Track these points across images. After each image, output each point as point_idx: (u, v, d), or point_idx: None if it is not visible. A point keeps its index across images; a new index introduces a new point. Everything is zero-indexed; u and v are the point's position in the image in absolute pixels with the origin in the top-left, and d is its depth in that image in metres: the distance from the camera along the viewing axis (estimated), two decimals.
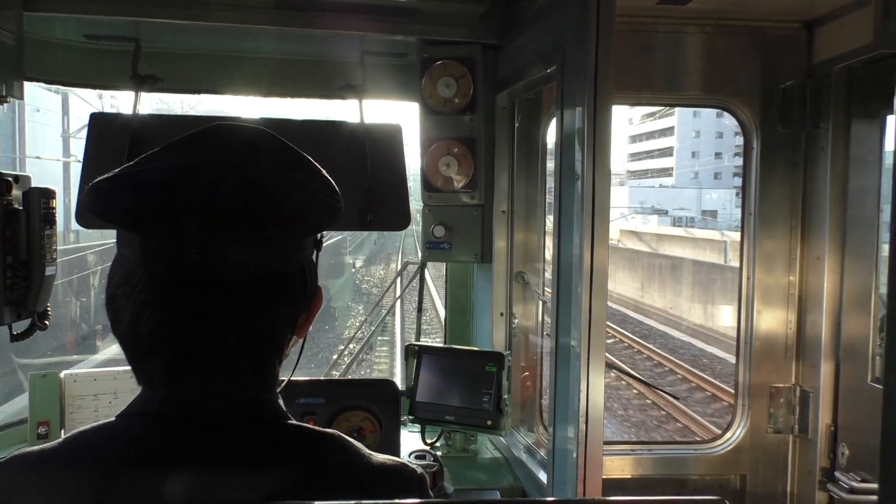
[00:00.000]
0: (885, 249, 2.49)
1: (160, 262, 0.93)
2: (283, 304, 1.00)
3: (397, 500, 1.03)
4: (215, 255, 0.92)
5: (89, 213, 0.97)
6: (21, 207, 2.17)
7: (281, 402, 1.04)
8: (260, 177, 0.97)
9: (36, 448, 0.99)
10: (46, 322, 2.35)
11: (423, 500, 1.09)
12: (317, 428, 1.04)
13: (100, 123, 2.74)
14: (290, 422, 1.02)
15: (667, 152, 71.31)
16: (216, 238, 0.92)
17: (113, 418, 0.99)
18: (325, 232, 1.10)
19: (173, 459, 0.93)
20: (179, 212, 0.91)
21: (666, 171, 71.83)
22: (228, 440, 0.96)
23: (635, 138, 75.09)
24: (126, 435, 0.97)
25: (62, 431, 2.57)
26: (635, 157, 77.07)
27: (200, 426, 0.96)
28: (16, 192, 2.17)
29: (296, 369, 1.27)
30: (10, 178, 2.15)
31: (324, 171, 1.04)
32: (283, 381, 1.10)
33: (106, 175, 0.96)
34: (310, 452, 0.99)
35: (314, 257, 1.07)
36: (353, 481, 0.99)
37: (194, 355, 0.95)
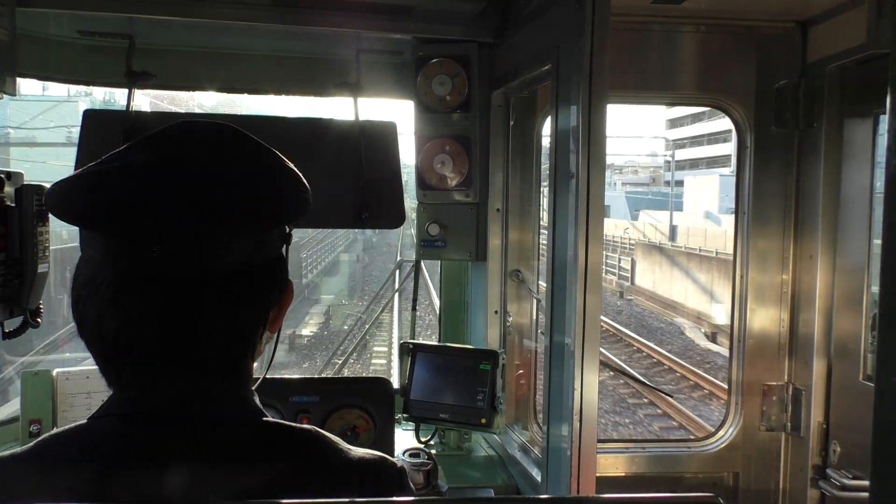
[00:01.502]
0: (878, 248, 2.50)
1: (123, 262, 0.92)
2: (252, 300, 0.99)
3: (393, 499, 1.02)
4: (179, 252, 0.91)
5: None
6: (13, 204, 2.16)
7: (256, 399, 1.03)
8: (224, 171, 0.96)
9: (6, 452, 0.98)
10: (39, 320, 2.34)
11: (417, 499, 1.09)
12: (293, 424, 1.03)
13: (93, 120, 2.73)
14: (265, 419, 1.01)
15: (719, 137, 55.50)
16: (180, 235, 0.91)
17: (84, 420, 0.98)
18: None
19: (146, 460, 0.92)
20: (141, 210, 0.90)
21: (719, 161, 56.14)
22: (202, 439, 0.95)
23: (676, 122, 60.18)
24: (97, 436, 0.96)
25: (55, 429, 2.55)
26: (678, 144, 60.10)
27: (173, 426, 0.95)
28: (8, 189, 2.16)
29: (270, 367, 1.25)
30: (2, 175, 2.14)
31: (291, 164, 1.03)
32: (259, 378, 1.09)
33: (67, 175, 0.96)
34: (287, 449, 0.98)
35: (283, 251, 1.06)
36: (332, 476, 0.98)
37: (162, 354, 0.94)
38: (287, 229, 1.05)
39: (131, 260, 0.91)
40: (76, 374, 2.61)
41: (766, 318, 2.76)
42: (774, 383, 2.75)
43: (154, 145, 0.98)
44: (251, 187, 0.97)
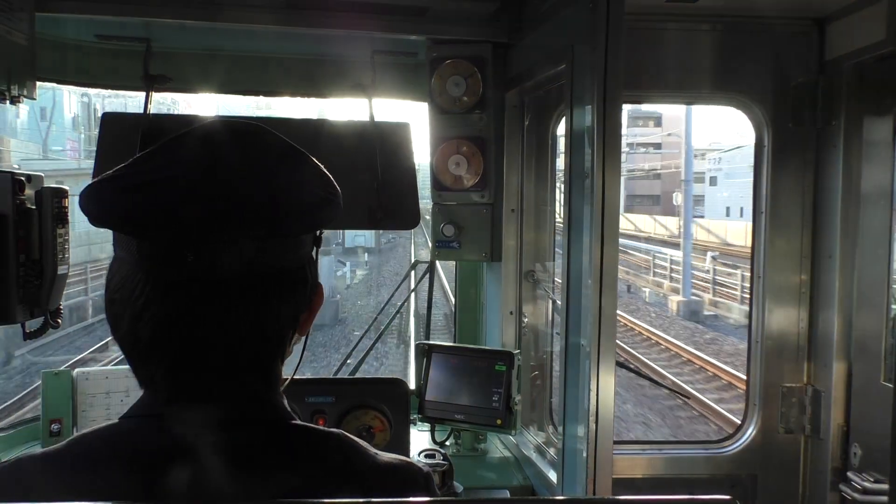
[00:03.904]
0: None
1: (157, 264, 0.92)
2: (283, 303, 0.99)
3: (408, 499, 1.03)
4: (213, 255, 0.91)
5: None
6: (33, 206, 2.19)
7: (285, 401, 1.04)
8: (257, 174, 0.96)
9: (39, 451, 0.99)
10: (59, 320, 2.37)
11: (432, 499, 1.09)
12: (321, 427, 1.03)
13: (111, 123, 2.76)
14: (294, 421, 1.02)
15: None
16: (213, 238, 0.91)
17: (116, 420, 0.99)
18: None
19: (177, 460, 0.92)
20: (174, 213, 0.90)
21: None
22: (232, 441, 0.95)
23: None
24: (129, 436, 0.97)
25: (75, 429, 2.59)
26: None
27: (204, 427, 0.95)
28: (28, 192, 2.18)
29: (298, 368, 1.26)
30: (22, 178, 2.17)
31: (322, 167, 1.03)
32: (287, 379, 1.10)
33: (100, 178, 0.96)
34: (315, 452, 0.99)
35: (314, 254, 1.06)
36: (359, 480, 0.99)
37: (196, 356, 0.95)
38: (318, 232, 1.06)
39: (165, 263, 0.92)
40: (96, 374, 2.64)
41: (784, 319, 2.74)
42: (793, 385, 2.72)
43: (185, 147, 0.98)
44: (286, 192, 0.96)
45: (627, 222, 47.08)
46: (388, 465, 1.02)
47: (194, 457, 0.92)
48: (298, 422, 1.02)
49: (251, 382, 1.00)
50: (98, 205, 0.94)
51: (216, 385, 0.97)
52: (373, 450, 1.03)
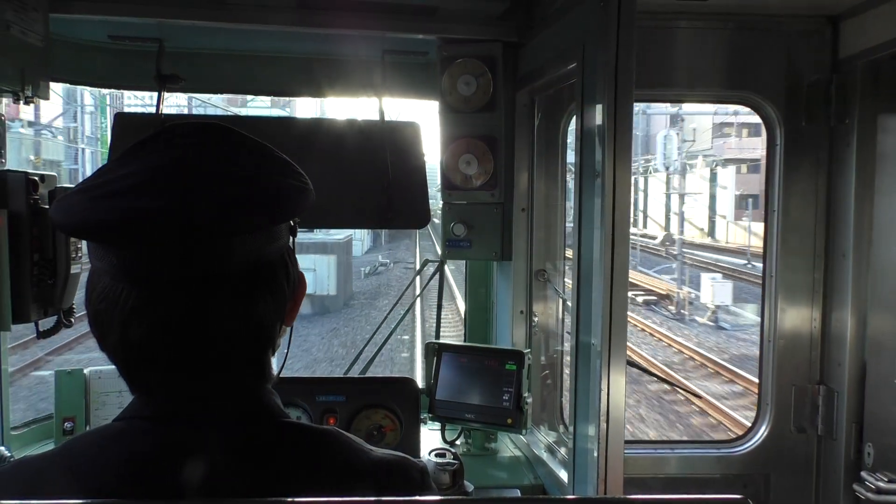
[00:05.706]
0: None
1: (139, 270, 0.92)
2: (268, 294, 1.00)
3: (418, 497, 1.03)
4: (191, 254, 0.92)
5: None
6: (47, 206, 2.21)
7: (277, 399, 1.04)
8: (223, 170, 0.97)
9: (36, 454, 1.01)
10: (72, 319, 2.39)
11: (443, 498, 1.09)
12: (313, 425, 1.04)
13: (124, 123, 2.78)
14: (286, 419, 1.03)
15: None
16: (190, 238, 0.91)
17: (110, 422, 1.00)
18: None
19: (171, 458, 0.93)
20: (148, 218, 0.90)
21: None
22: (224, 438, 0.96)
23: None
24: (124, 436, 0.98)
25: (87, 427, 2.61)
26: None
27: (197, 425, 0.96)
28: (42, 191, 2.20)
29: (285, 364, 1.27)
30: (36, 178, 2.19)
31: (286, 157, 1.04)
32: (275, 376, 1.10)
33: (71, 190, 0.97)
34: (310, 450, 1.00)
35: (291, 243, 1.07)
36: (353, 476, 0.99)
37: (189, 356, 0.95)
38: (292, 222, 1.06)
39: (145, 268, 0.92)
40: (108, 373, 2.66)
41: (797, 318, 2.72)
42: (806, 384, 2.71)
43: (148, 152, 0.98)
44: (255, 184, 0.97)
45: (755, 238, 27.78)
46: (383, 460, 1.03)
47: (188, 455, 0.93)
48: (291, 420, 1.03)
49: (243, 378, 1.01)
50: (71, 215, 0.93)
51: (209, 382, 0.98)
52: (367, 446, 1.04)
